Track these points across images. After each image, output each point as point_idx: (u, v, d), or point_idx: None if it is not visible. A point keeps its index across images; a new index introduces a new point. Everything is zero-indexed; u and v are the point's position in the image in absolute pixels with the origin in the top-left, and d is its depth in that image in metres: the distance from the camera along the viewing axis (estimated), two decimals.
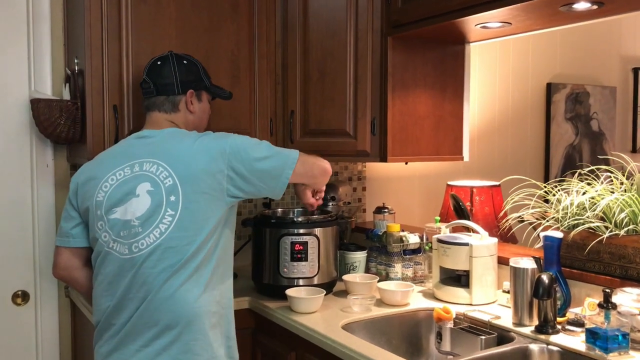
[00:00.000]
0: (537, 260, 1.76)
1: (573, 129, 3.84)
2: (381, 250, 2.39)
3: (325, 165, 1.82)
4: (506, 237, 2.55)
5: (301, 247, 2.11)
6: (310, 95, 2.35)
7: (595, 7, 1.76)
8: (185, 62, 1.81)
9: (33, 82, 2.28)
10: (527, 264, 1.82)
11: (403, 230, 2.39)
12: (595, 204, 1.82)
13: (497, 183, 2.78)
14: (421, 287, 2.29)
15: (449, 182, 2.86)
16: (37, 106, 2.12)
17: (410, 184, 3.18)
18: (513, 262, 1.86)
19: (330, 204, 2.57)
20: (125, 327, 1.58)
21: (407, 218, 2.99)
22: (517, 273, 1.84)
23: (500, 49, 3.46)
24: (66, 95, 2.17)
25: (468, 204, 2.74)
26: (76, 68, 2.14)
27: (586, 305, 1.76)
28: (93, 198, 1.64)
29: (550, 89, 3.71)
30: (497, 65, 3.49)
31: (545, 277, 1.64)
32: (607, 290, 1.61)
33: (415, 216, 3.13)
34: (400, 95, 2.28)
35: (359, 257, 2.39)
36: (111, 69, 2.05)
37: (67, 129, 2.09)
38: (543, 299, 1.64)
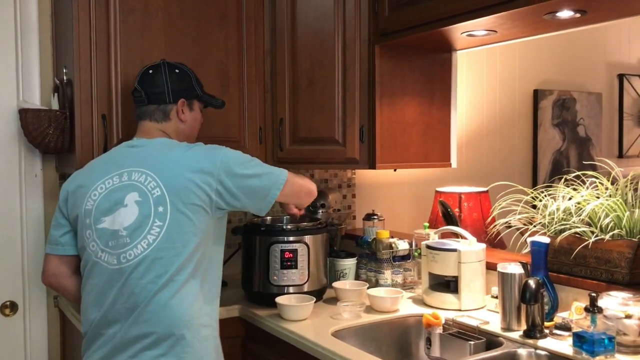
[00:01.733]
0: (524, 265, 1.78)
1: (560, 135, 3.88)
2: (371, 257, 2.40)
3: (312, 187, 1.89)
4: (494, 242, 2.57)
5: (291, 255, 2.12)
6: (300, 103, 2.36)
7: (578, 15, 1.79)
8: (177, 70, 1.82)
9: (21, 92, 2.28)
10: (515, 269, 1.84)
11: (392, 237, 2.41)
12: (581, 209, 1.85)
13: (485, 189, 2.80)
14: (411, 293, 2.30)
15: (438, 189, 2.89)
16: (26, 116, 2.12)
17: (400, 190, 3.20)
18: (501, 267, 1.88)
19: (320, 211, 2.56)
20: (114, 338, 1.57)
21: (397, 224, 3.00)
22: (505, 278, 1.86)
23: (487, 56, 3.50)
24: (55, 105, 2.17)
25: (456, 210, 2.76)
26: (65, 78, 2.14)
27: (573, 310, 1.78)
28: (82, 206, 1.64)
29: (537, 96, 3.75)
30: (484, 72, 3.52)
31: (532, 282, 1.66)
32: (593, 294, 1.62)
33: (404, 223, 3.15)
34: (388, 102, 2.30)
35: (348, 264, 2.40)
36: (100, 79, 2.05)
37: (56, 138, 2.09)
38: (530, 303, 1.66)
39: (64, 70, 2.15)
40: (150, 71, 1.81)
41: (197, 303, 1.61)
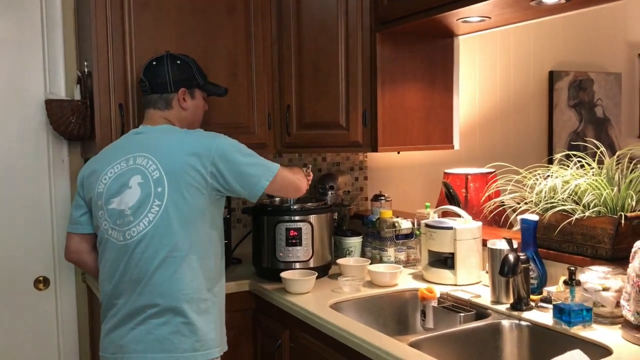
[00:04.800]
0: (508, 241, 1.87)
1: (577, 116, 3.90)
2: (375, 235, 2.52)
3: (300, 185, 1.97)
4: (500, 221, 2.65)
5: (295, 233, 2.26)
6: (305, 90, 2.48)
7: (563, 1, 1.85)
8: (178, 62, 1.95)
9: (48, 84, 2.47)
10: (503, 245, 1.93)
11: (397, 217, 2.52)
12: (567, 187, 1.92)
13: (492, 170, 2.88)
14: (412, 270, 2.41)
15: (446, 170, 2.98)
16: (51, 106, 2.30)
17: (411, 172, 3.28)
18: (490, 244, 1.98)
19: (329, 192, 2.70)
20: (124, 307, 1.74)
21: (408, 205, 3.10)
22: (493, 254, 1.95)
23: (500, 38, 3.53)
24: (77, 96, 2.35)
25: (463, 191, 2.85)
26: (86, 70, 2.31)
27: (560, 284, 1.87)
28: (95, 190, 1.80)
29: (553, 77, 3.77)
30: (498, 54, 3.56)
31: (511, 256, 1.75)
32: (571, 268, 1.71)
33: (416, 203, 3.23)
34: (389, 88, 2.40)
35: (354, 242, 2.53)
36: (116, 70, 2.21)
37: (78, 127, 2.27)
38: (507, 276, 1.75)
39: (85, 63, 2.31)
40: (154, 63, 1.95)
41: (197, 279, 1.75)
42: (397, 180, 3.24)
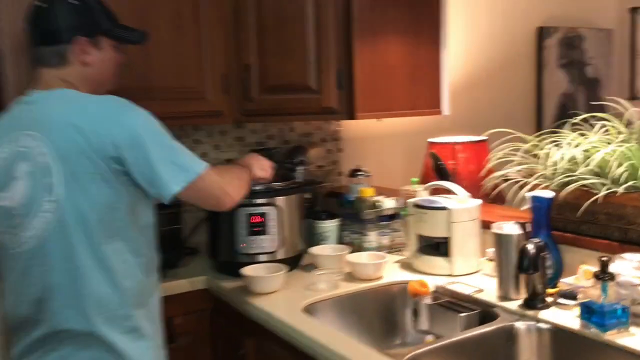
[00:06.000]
0: (522, 225, 1.52)
1: (567, 77, 3.58)
2: (354, 217, 2.16)
3: (224, 200, 1.49)
4: (494, 197, 2.31)
5: (260, 219, 1.88)
6: (268, 46, 2.08)
7: None
8: (73, 0, 1.44)
9: None
10: (512, 229, 1.59)
11: (380, 194, 2.17)
12: (589, 157, 1.58)
13: (483, 138, 2.54)
14: (398, 257, 2.06)
15: (430, 139, 2.62)
16: None
17: (392, 142, 2.93)
18: (496, 227, 1.63)
19: (299, 169, 2.32)
20: (33, 330, 1.34)
21: (389, 180, 2.75)
22: (501, 240, 1.61)
23: None
24: None
25: (451, 162, 2.50)
26: None
27: (581, 274, 1.54)
28: None
29: (542, 34, 3.43)
30: (482, 9, 3.20)
31: (531, 247, 1.41)
32: (604, 258, 1.37)
33: (398, 178, 2.89)
34: (368, 42, 2.02)
35: (329, 226, 2.17)
36: None
37: None
38: (529, 272, 1.41)
39: None
40: (39, 4, 1.44)
41: (115, 291, 1.33)
42: (374, 151, 2.88)
